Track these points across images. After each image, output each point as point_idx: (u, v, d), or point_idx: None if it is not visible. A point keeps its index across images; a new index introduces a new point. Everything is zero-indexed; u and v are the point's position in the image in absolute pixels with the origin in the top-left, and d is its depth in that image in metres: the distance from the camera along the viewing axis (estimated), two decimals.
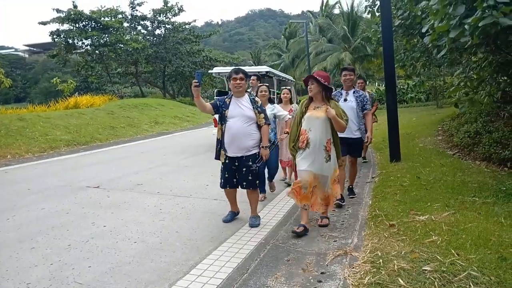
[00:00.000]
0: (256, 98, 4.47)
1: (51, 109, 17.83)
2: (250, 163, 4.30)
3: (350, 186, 5.64)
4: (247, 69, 23.13)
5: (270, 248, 3.77)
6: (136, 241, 4.03)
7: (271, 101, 5.67)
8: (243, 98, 4.39)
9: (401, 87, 27.27)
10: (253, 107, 4.34)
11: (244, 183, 4.40)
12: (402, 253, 3.30)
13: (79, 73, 33.42)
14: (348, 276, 3.05)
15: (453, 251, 3.20)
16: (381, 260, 3.19)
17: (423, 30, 6.85)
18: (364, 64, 37.31)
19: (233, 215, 4.72)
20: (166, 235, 4.21)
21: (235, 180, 4.45)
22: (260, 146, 4.38)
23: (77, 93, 26.71)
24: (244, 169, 4.33)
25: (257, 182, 4.44)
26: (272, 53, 52.98)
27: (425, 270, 2.93)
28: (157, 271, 3.31)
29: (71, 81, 26.28)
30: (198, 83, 4.02)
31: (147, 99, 27.95)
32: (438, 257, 3.12)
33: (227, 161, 4.38)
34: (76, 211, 5.10)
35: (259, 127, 4.38)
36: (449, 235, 3.58)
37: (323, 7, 43.24)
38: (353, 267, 3.20)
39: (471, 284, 2.69)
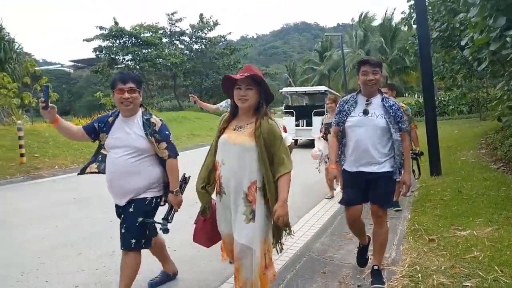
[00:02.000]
0: (153, 119, 2.86)
1: None
2: (132, 209, 2.78)
3: (376, 267, 3.23)
4: (306, 88, 23.07)
5: (305, 260, 3.78)
6: (176, 250, 4.14)
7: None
8: (133, 119, 2.86)
9: (442, 99, 26.59)
10: (146, 133, 2.80)
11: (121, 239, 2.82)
12: (442, 268, 3.23)
13: None
14: None
15: (496, 267, 3.11)
16: (420, 275, 3.15)
17: (462, 43, 6.74)
18: (402, 76, 36.73)
19: (164, 278, 3.32)
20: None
21: None
22: (169, 190, 2.91)
23: None
24: (124, 218, 2.85)
25: (141, 241, 2.79)
26: (306, 68, 52.98)
27: (466, 286, 2.87)
28: (196, 279, 3.41)
29: None
30: (44, 103, 2.62)
31: (184, 112, 28.62)
32: (480, 273, 3.04)
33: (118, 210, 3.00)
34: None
35: (162, 162, 2.89)
36: (492, 251, 3.47)
37: (361, 19, 42.99)
38: (391, 281, 3.16)
39: None
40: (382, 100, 3.10)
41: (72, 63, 75.16)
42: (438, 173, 7.33)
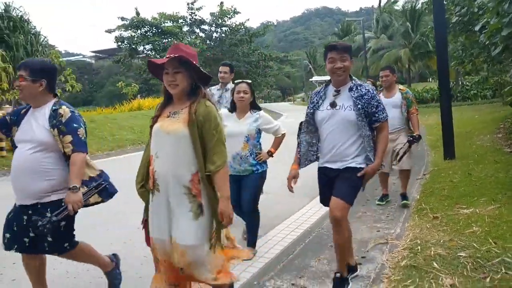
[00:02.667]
0: (61, 109, 2.55)
1: (117, 111, 19.25)
2: (37, 216, 2.42)
3: (338, 274, 2.88)
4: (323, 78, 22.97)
5: (315, 235, 4.08)
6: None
7: (255, 107, 3.74)
8: (40, 110, 2.58)
9: (465, 83, 26.14)
10: (50, 125, 2.49)
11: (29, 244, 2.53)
12: (441, 241, 3.47)
13: (140, 77, 35.41)
14: (386, 260, 3.29)
15: (490, 240, 3.32)
16: (419, 247, 3.40)
17: (476, 28, 6.79)
18: (425, 61, 36.10)
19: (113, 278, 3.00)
20: None
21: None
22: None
23: (139, 95, 28.38)
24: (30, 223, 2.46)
25: (55, 247, 2.60)
26: None
27: (460, 255, 3.11)
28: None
29: (135, 84, 27.95)
30: None
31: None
32: (475, 245, 3.27)
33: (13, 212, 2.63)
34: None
35: (67, 158, 2.53)
36: (490, 226, 3.68)
37: (384, 3, 42.22)
38: (393, 253, 3.42)
39: (503, 268, 2.83)
40: (350, 89, 2.78)
41: (93, 54, 76.66)
42: (452, 157, 7.46)
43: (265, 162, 3.69)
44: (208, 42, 35.09)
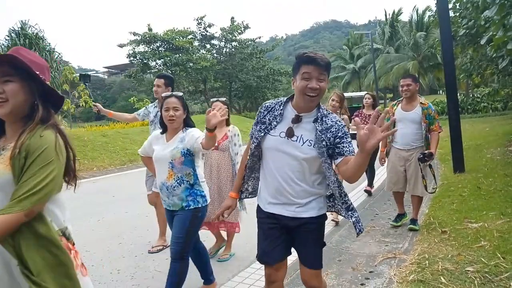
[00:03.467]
0: None
1: (129, 126, 19.44)
2: None
3: None
4: (347, 94, 23.95)
5: (323, 249, 4.09)
6: (206, 240, 4.55)
7: (188, 124, 2.99)
8: None
9: (476, 96, 26.00)
10: None
11: None
12: (449, 256, 3.49)
13: (152, 92, 35.91)
14: (394, 274, 3.31)
15: (499, 255, 3.33)
16: (427, 262, 3.41)
17: (482, 42, 6.82)
18: (435, 73, 36.07)
19: None
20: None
21: None
22: None
23: None
24: None
25: None
26: (336, 66, 52.78)
27: (468, 270, 3.12)
28: (223, 264, 3.81)
29: (147, 99, 28.30)
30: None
31: None
32: (483, 259, 3.28)
33: None
34: (154, 214, 5.78)
35: None
36: (499, 241, 3.68)
37: (390, 16, 42.45)
38: (400, 267, 3.44)
39: (511, 284, 2.84)
40: (316, 120, 2.08)
41: (106, 69, 77.94)
42: (462, 171, 7.44)
43: (203, 195, 2.89)
44: (218, 56, 35.53)
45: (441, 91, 44.06)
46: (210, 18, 33.78)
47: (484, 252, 3.46)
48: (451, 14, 10.10)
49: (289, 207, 2.14)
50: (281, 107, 2.16)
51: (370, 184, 6.75)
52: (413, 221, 4.63)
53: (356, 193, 6.67)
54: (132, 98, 28.06)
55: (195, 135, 2.81)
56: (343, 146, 2.02)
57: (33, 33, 18.29)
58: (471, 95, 27.01)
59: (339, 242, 4.34)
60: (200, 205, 2.86)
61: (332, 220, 4.99)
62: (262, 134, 2.14)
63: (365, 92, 7.52)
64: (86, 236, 4.93)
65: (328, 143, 2.03)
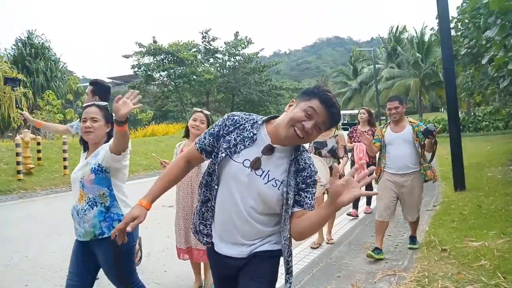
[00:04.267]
0: None
1: (131, 136, 19.55)
2: None
3: None
4: (347, 112, 24.99)
5: (323, 265, 4.10)
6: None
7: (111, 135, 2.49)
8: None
9: (477, 114, 26.11)
10: None
11: None
12: (449, 274, 3.48)
13: (155, 103, 36.09)
14: None
15: (499, 274, 3.32)
16: (427, 280, 3.40)
17: (483, 62, 6.90)
18: (436, 91, 36.22)
19: None
20: None
21: None
22: None
23: (153, 121, 28.84)
24: None
25: None
26: (337, 82, 53.11)
27: None
28: None
29: (150, 110, 28.46)
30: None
31: None
32: (483, 278, 3.27)
33: None
34: (153, 226, 5.79)
35: None
36: (499, 260, 3.67)
37: (392, 33, 42.88)
38: (400, 285, 3.43)
39: None
40: (294, 160, 1.69)
41: (110, 80, 78.48)
42: (462, 189, 7.44)
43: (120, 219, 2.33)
44: (221, 70, 35.82)
45: (442, 109, 44.21)
46: (214, 32, 34.02)
47: (484, 271, 3.45)
48: (453, 33, 10.22)
49: (238, 247, 1.75)
50: (254, 130, 1.70)
51: (369, 203, 6.76)
52: (413, 239, 4.50)
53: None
54: (135, 110, 28.21)
55: (108, 144, 2.31)
56: (306, 197, 1.67)
57: (39, 42, 18.53)
58: (472, 114, 27.12)
59: (338, 258, 4.33)
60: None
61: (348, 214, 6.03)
62: (224, 155, 1.68)
63: (361, 108, 6.94)
64: None
65: (296, 188, 1.67)
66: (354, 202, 6.06)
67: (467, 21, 9.83)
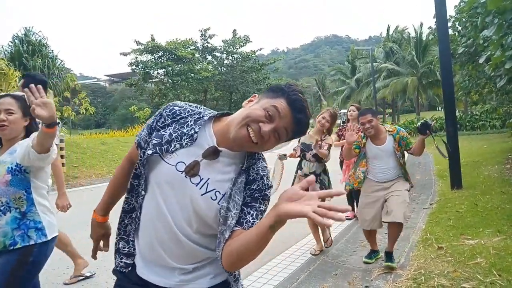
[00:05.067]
0: None
1: (129, 134, 19.54)
2: None
3: None
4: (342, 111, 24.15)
5: (320, 263, 4.11)
6: None
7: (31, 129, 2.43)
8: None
9: (474, 113, 26.18)
10: None
11: None
12: (445, 272, 3.50)
13: (153, 101, 36.06)
14: None
15: (495, 272, 3.34)
16: (423, 277, 3.42)
17: (481, 61, 6.92)
18: (434, 89, 36.33)
19: None
20: None
21: None
22: None
23: None
24: None
25: None
26: (335, 80, 53.19)
27: (464, 287, 3.13)
28: None
29: (147, 108, 28.43)
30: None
31: None
32: (478, 276, 3.29)
33: None
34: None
35: None
36: (495, 258, 3.69)
37: (389, 32, 42.97)
38: (396, 283, 3.45)
39: None
40: (243, 170, 1.32)
41: (107, 78, 78.38)
42: (459, 187, 7.46)
43: (39, 228, 2.13)
44: (219, 68, 35.82)
45: (440, 108, 44.36)
46: (213, 30, 33.55)
47: (480, 269, 3.47)
48: (450, 32, 10.24)
49: (166, 272, 1.33)
50: (196, 127, 1.32)
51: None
52: (389, 256, 3.87)
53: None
54: (132, 107, 28.21)
55: (28, 142, 1.98)
56: (248, 213, 1.29)
57: (36, 40, 18.44)
58: (469, 112, 27.18)
59: (335, 256, 4.35)
60: (33, 242, 2.06)
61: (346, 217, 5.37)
62: (151, 153, 1.29)
63: (351, 104, 6.32)
64: (82, 244, 4.91)
65: (241, 202, 1.29)
66: (351, 203, 5.95)
67: (464, 20, 9.86)
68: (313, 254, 4.33)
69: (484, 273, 3.35)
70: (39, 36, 18.74)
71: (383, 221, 3.90)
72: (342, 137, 5.72)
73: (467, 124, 25.02)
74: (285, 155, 4.30)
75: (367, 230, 4.05)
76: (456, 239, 4.41)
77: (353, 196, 5.84)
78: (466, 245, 4.16)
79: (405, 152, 3.99)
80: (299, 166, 4.49)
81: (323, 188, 3.96)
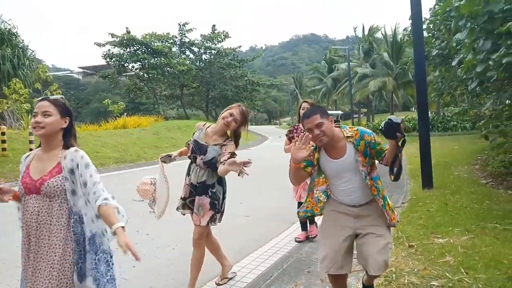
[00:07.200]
0: None
1: (102, 128, 19.12)
2: None
3: None
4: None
5: (293, 260, 4.12)
6: (174, 248, 4.51)
7: None
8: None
9: (446, 114, 26.89)
10: None
11: None
12: (415, 270, 3.55)
13: (128, 95, 35.45)
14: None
15: (463, 270, 3.42)
16: (394, 275, 3.47)
17: (453, 63, 7.08)
18: (407, 90, 37.08)
19: None
20: None
21: None
22: None
23: (125, 113, 28.29)
24: None
25: None
26: (313, 77, 53.61)
27: (433, 285, 3.19)
28: (189, 274, 3.75)
29: (121, 102, 27.93)
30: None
31: (190, 121, 29.16)
32: (447, 274, 3.36)
33: None
34: (134, 222, 5.68)
35: None
36: (463, 256, 3.78)
37: (365, 32, 43.59)
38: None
39: None
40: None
41: (81, 70, 76.55)
42: (430, 187, 7.63)
43: None
44: (197, 63, 35.50)
45: (413, 108, 45.33)
46: (192, 25, 32.88)
47: (448, 267, 3.55)
48: (425, 34, 10.44)
49: None
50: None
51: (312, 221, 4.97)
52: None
53: None
54: (106, 100, 27.64)
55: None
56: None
57: (5, 28, 17.78)
58: (441, 114, 27.90)
59: (308, 253, 4.36)
60: None
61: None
62: None
63: (302, 100, 4.86)
64: None
65: None
66: (303, 223, 4.88)
67: (438, 22, 10.07)
68: (217, 284, 3.56)
69: (453, 271, 3.43)
70: (9, 24, 18.08)
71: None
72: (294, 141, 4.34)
73: (439, 125, 25.68)
74: (169, 156, 3.54)
75: (331, 275, 2.69)
76: (426, 238, 4.50)
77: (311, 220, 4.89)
78: (436, 244, 4.25)
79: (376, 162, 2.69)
80: (187, 171, 3.44)
81: (216, 203, 3.25)
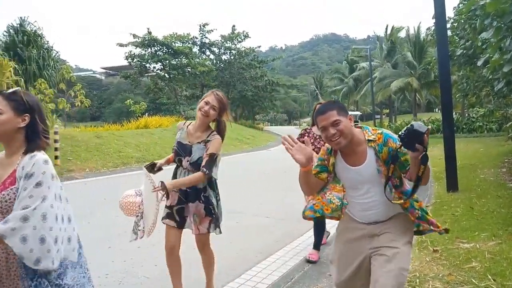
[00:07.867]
0: None
1: (124, 128, 19.41)
2: None
3: None
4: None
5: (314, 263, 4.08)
6: (195, 248, 4.51)
7: None
8: None
9: (471, 115, 26.26)
10: None
11: None
12: (440, 275, 3.47)
13: (148, 95, 35.91)
14: None
15: (490, 276, 3.32)
16: (417, 280, 3.40)
17: (479, 63, 6.90)
18: (431, 90, 36.46)
19: None
20: (220, 245, 4.67)
21: None
22: None
23: (147, 113, 28.69)
24: None
25: None
26: (334, 77, 53.23)
27: None
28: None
29: (143, 102, 28.30)
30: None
31: None
32: (473, 280, 3.27)
33: None
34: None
35: None
36: (490, 262, 3.67)
37: (387, 32, 43.01)
38: None
39: None
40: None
41: (103, 70, 78.00)
42: (455, 190, 7.45)
43: None
44: (217, 63, 35.69)
45: (437, 109, 44.47)
46: (212, 23, 33.50)
47: (475, 273, 3.45)
48: (449, 33, 10.23)
49: None
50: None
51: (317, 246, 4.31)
52: None
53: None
54: (128, 100, 28.06)
55: None
56: None
57: (31, 30, 18.27)
58: (466, 115, 27.27)
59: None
60: None
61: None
62: None
63: (317, 103, 3.93)
64: None
65: None
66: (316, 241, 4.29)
67: (463, 21, 9.84)
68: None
69: (479, 278, 3.33)
70: (35, 26, 18.59)
71: None
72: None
73: (464, 126, 25.11)
74: (153, 164, 3.14)
75: None
76: (451, 242, 4.39)
77: (319, 226, 4.28)
78: (461, 249, 4.14)
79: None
80: (173, 177, 3.08)
81: (210, 209, 2.97)
